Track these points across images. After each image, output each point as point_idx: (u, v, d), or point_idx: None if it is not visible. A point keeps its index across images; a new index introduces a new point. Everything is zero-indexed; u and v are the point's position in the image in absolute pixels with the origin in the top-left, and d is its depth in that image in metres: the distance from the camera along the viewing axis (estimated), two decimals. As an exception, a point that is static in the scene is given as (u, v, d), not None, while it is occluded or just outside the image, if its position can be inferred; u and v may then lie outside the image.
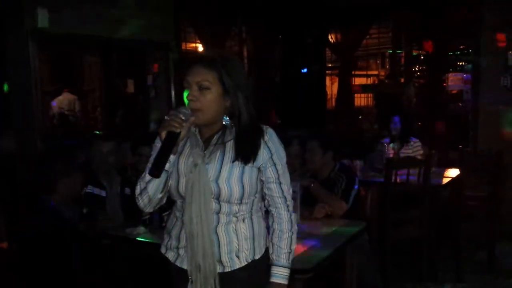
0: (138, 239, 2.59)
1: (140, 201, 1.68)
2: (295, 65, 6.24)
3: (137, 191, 1.67)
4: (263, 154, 1.66)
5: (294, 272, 2.20)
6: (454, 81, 6.76)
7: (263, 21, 6.02)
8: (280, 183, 1.72)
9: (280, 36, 6.36)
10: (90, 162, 3.17)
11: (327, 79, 7.77)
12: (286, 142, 3.80)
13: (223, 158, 1.64)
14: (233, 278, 1.68)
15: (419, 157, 4.51)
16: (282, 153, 1.72)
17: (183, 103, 1.71)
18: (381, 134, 5.06)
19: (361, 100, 8.81)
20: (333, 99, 8.08)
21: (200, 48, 5.18)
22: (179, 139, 1.57)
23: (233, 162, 1.63)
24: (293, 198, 2.80)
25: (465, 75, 6.71)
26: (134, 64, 5.55)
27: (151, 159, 1.63)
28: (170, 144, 1.55)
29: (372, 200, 3.42)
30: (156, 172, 1.56)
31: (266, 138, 1.67)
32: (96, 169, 3.14)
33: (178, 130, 1.54)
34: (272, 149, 1.67)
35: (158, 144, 1.62)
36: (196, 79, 1.60)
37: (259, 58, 6.16)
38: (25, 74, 3.72)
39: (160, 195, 1.66)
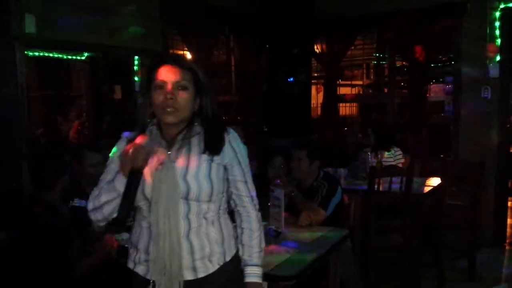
0: (123, 245, 2.59)
1: (92, 216, 1.63)
2: (281, 75, 6.31)
3: (89, 207, 1.63)
4: (228, 151, 1.69)
5: (278, 278, 2.24)
6: (436, 92, 6.87)
7: (250, 31, 6.08)
8: (246, 182, 1.75)
9: (267, 46, 6.42)
10: (78, 174, 3.08)
11: (313, 88, 7.84)
12: (273, 153, 3.80)
13: (189, 154, 1.66)
14: (205, 283, 1.66)
15: (400, 165, 4.59)
16: (245, 152, 1.76)
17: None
18: (364, 143, 5.13)
19: (345, 109, 8.91)
20: (318, 108, 8.15)
21: (188, 55, 5.21)
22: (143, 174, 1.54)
23: (200, 155, 1.65)
24: (278, 205, 2.88)
25: (447, 86, 6.84)
26: (121, 70, 5.55)
27: (104, 176, 1.65)
28: (136, 182, 1.51)
29: (355, 209, 3.46)
30: (125, 213, 1.51)
31: (229, 136, 1.71)
32: (84, 180, 3.05)
33: (143, 167, 1.52)
34: (236, 148, 1.71)
35: (112, 165, 1.65)
36: (175, 79, 1.62)
37: (246, 67, 6.21)
38: (12, 79, 3.70)
39: (115, 215, 1.60)
